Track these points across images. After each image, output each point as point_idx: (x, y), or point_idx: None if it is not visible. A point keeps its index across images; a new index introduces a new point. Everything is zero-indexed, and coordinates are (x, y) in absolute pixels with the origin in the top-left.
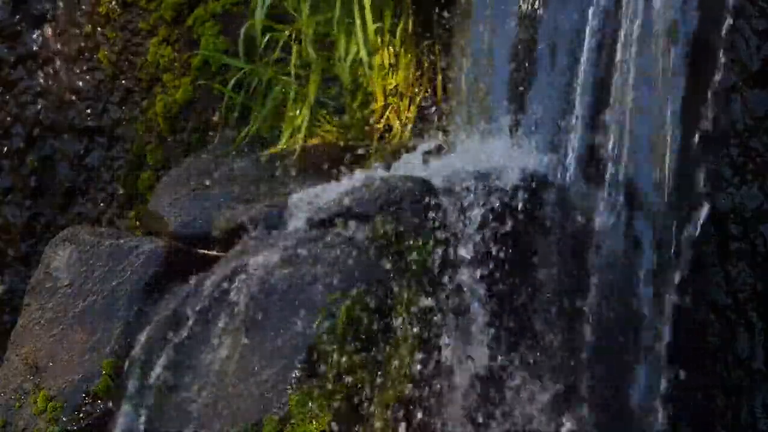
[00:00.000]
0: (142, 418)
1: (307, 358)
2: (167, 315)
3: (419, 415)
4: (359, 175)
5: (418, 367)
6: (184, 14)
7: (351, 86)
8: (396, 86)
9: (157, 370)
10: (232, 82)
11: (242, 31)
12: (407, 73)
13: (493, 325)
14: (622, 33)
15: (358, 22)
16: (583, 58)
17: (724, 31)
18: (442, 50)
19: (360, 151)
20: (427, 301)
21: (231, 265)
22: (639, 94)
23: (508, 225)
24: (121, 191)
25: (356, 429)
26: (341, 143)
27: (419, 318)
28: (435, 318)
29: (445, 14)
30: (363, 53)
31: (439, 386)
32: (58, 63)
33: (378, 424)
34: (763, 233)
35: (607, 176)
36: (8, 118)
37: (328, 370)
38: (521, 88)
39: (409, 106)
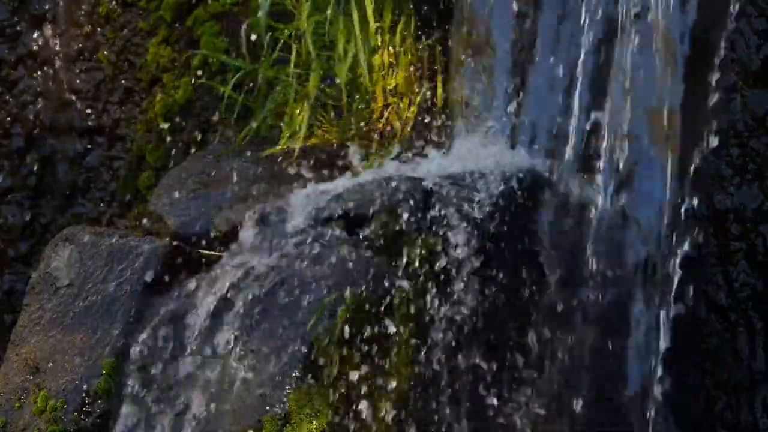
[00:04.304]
0: (142, 418)
1: (307, 358)
2: (167, 315)
3: (419, 415)
4: (359, 174)
5: (418, 366)
6: (184, 14)
7: (351, 86)
8: (396, 86)
9: (157, 369)
10: (232, 82)
11: (243, 29)
12: (407, 73)
13: (491, 320)
14: (621, 33)
15: (356, 21)
16: (581, 59)
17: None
18: (442, 50)
19: (360, 151)
20: (427, 300)
21: (231, 266)
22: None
23: (506, 224)
24: (121, 191)
25: (356, 429)
26: (341, 143)
27: (419, 317)
28: (435, 316)
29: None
30: (361, 54)
31: (438, 385)
32: (58, 63)
33: (378, 424)
34: (763, 233)
35: (605, 175)
36: (8, 118)
37: (328, 369)
38: (518, 88)
39: (409, 106)
